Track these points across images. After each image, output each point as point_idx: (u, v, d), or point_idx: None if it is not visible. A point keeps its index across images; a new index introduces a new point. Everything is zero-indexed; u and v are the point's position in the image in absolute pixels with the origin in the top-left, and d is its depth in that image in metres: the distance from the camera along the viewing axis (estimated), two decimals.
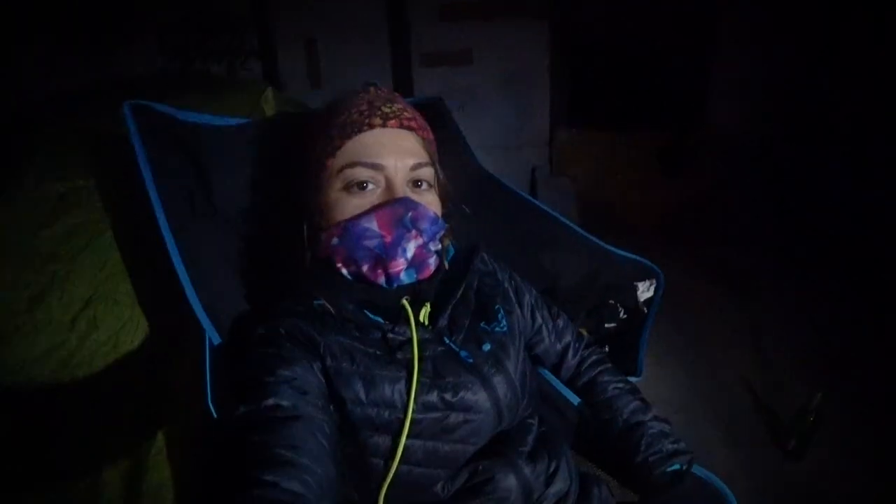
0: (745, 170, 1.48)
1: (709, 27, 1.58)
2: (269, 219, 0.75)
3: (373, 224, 0.66)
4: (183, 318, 0.65)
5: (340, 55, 1.81)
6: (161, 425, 0.74)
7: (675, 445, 0.80)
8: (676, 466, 0.79)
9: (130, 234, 0.80)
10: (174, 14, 1.55)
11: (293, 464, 0.52)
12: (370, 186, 0.68)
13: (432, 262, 0.72)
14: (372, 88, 0.72)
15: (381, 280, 0.68)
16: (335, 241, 0.68)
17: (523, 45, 1.74)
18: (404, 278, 0.68)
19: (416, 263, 0.69)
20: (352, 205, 0.67)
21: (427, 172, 0.71)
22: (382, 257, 0.67)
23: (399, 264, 0.67)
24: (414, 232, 0.67)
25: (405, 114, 0.71)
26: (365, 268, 0.68)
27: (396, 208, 0.66)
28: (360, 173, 0.67)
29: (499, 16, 1.65)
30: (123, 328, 0.78)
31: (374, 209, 0.67)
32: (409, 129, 0.71)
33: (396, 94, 0.78)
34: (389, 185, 0.68)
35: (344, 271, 0.70)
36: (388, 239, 0.66)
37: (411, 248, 0.67)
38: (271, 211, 0.76)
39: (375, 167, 0.67)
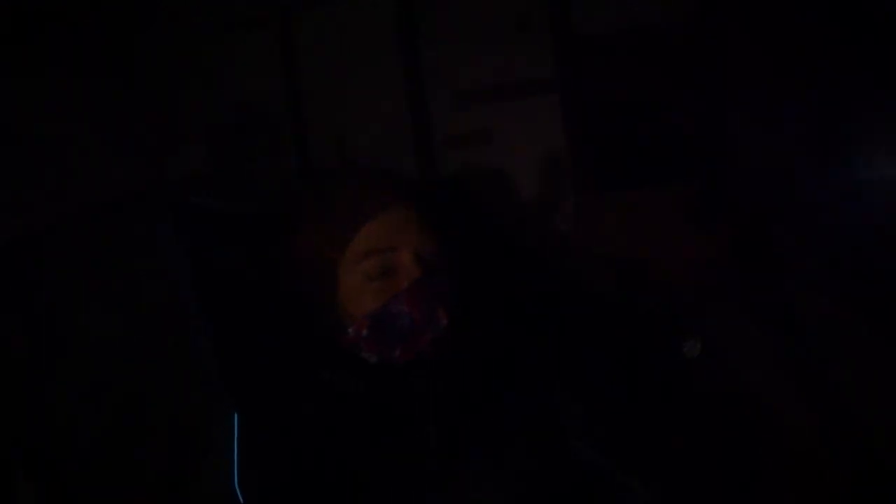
0: (779, 205, 1.43)
1: (720, 80, 1.61)
2: (287, 304, 0.76)
3: (402, 307, 0.67)
4: (210, 397, 0.66)
5: (366, 146, 1.95)
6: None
7: None
8: None
9: (162, 314, 0.83)
10: (216, 115, 1.71)
11: None
12: (387, 272, 0.69)
13: (450, 337, 0.71)
14: (359, 171, 0.75)
15: (411, 356, 0.68)
16: (365, 332, 0.68)
17: (540, 118, 1.83)
18: (425, 354, 0.68)
19: (438, 339, 0.69)
20: (376, 294, 0.69)
21: (435, 248, 0.72)
22: (410, 336, 0.67)
23: (426, 339, 0.68)
24: (441, 309, 0.68)
25: (400, 191, 0.73)
26: (398, 352, 0.68)
27: (421, 286, 0.68)
28: (377, 261, 0.69)
29: (513, 94, 1.75)
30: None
31: (401, 293, 0.68)
32: (408, 206, 0.72)
33: (383, 170, 0.80)
34: (406, 266, 0.69)
35: (373, 359, 0.69)
36: (417, 316, 0.67)
37: (437, 323, 0.68)
38: (288, 298, 0.77)
39: (389, 251, 0.69)
